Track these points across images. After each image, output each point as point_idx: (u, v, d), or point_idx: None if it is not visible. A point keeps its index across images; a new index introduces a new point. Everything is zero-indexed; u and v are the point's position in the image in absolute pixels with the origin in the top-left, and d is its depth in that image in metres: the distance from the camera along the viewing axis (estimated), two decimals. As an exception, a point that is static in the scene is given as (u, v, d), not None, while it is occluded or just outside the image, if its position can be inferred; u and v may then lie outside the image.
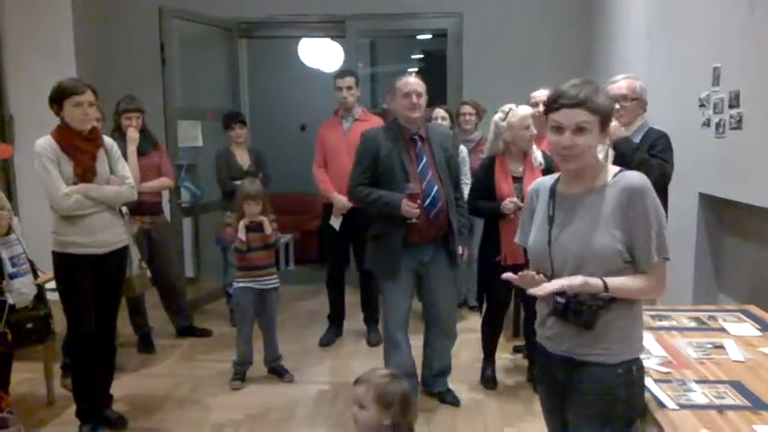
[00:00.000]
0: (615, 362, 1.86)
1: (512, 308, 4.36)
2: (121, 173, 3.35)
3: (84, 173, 3.17)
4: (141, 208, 4.32)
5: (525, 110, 3.62)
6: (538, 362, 2.09)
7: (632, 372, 1.87)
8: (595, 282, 1.79)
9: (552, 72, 4.69)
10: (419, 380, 3.67)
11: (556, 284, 1.80)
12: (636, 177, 1.85)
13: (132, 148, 4.26)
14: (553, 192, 1.96)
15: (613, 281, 1.80)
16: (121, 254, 3.39)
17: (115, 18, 6.07)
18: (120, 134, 4.31)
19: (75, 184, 3.15)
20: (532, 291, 1.83)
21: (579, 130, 1.80)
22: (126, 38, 6.04)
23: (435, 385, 3.67)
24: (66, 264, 3.20)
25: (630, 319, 1.88)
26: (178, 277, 4.94)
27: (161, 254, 4.57)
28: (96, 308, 3.28)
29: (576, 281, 1.79)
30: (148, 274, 3.91)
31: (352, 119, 4.62)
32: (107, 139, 3.36)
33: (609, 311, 1.83)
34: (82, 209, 3.16)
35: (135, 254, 3.56)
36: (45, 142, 3.14)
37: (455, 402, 3.63)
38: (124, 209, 3.53)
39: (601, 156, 3.05)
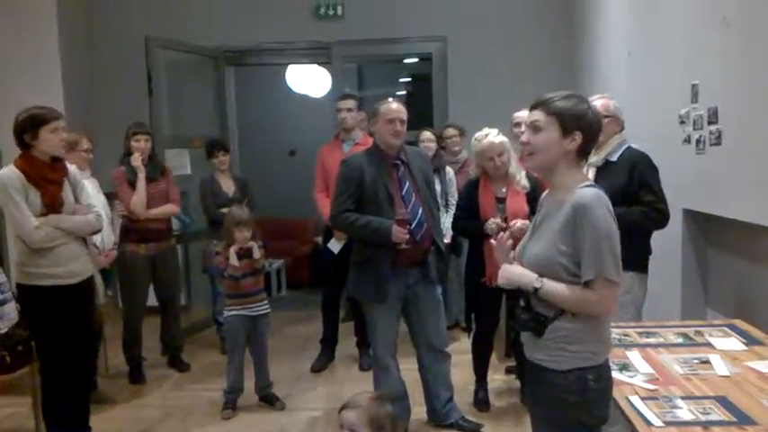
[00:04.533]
0: (566, 368, 1.88)
1: (503, 327, 4.35)
2: (86, 201, 3.32)
3: (53, 203, 3.12)
4: (148, 234, 4.39)
5: (492, 139, 3.57)
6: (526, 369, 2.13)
7: (586, 380, 1.87)
8: (529, 275, 1.89)
9: (535, 92, 4.69)
10: (425, 412, 3.65)
11: (502, 272, 1.99)
12: (584, 194, 1.86)
13: (140, 176, 4.34)
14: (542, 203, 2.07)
15: (548, 283, 1.86)
16: (90, 283, 3.36)
17: (102, 47, 6.11)
18: (129, 159, 4.39)
19: (43, 214, 3.09)
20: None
21: (534, 128, 1.90)
22: (113, 67, 6.07)
23: (449, 415, 3.60)
24: (36, 296, 3.14)
25: (584, 329, 1.88)
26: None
27: (166, 279, 4.58)
28: (71, 340, 3.23)
29: (515, 269, 1.95)
30: (118, 302, 3.89)
31: (353, 142, 4.61)
32: (70, 168, 3.32)
33: (560, 321, 1.88)
34: (52, 241, 3.11)
35: (99, 283, 3.54)
36: (10, 173, 3.06)
37: (476, 429, 3.58)
38: (112, 237, 3.53)
39: (590, 174, 3.11)
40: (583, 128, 1.88)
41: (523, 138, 1.92)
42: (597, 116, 1.95)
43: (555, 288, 1.85)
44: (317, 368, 4.66)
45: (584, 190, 1.87)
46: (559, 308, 1.87)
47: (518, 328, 1.97)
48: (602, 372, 1.91)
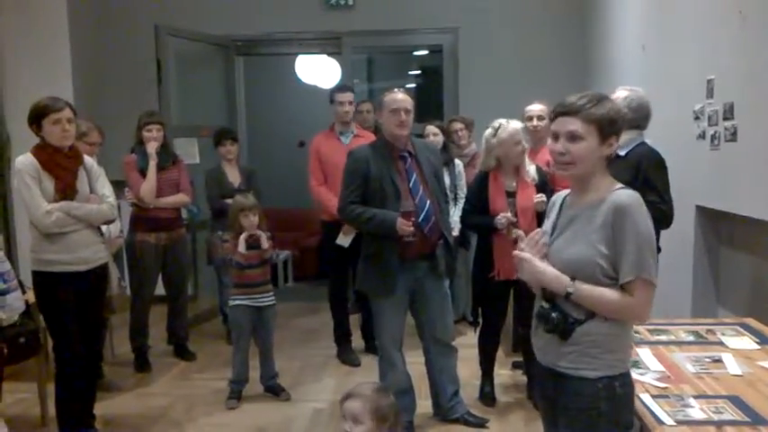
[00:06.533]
0: (595, 376, 1.81)
1: (511, 321, 4.31)
2: (101, 191, 3.35)
3: (66, 190, 3.17)
4: (158, 224, 4.39)
5: (515, 125, 3.58)
6: (535, 373, 2.06)
7: (614, 387, 1.81)
8: (562, 280, 1.80)
9: (548, 86, 4.68)
10: (431, 406, 3.63)
11: (531, 268, 1.86)
12: (624, 195, 1.81)
13: (152, 164, 4.33)
14: (563, 203, 1.98)
15: (582, 286, 1.79)
16: (101, 271, 3.37)
17: (112, 36, 6.09)
18: (141, 149, 4.39)
19: (56, 201, 3.14)
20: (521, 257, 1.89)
21: (572, 138, 1.81)
22: (122, 56, 6.06)
23: (455, 410, 3.58)
24: (47, 282, 3.18)
25: (614, 334, 1.81)
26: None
27: (176, 269, 4.58)
28: (80, 327, 3.24)
29: (549, 270, 1.84)
30: (127, 292, 3.89)
31: (352, 135, 4.58)
32: (87, 159, 3.37)
33: (590, 325, 1.81)
34: (63, 226, 3.15)
35: (114, 272, 3.54)
36: (26, 159, 3.14)
37: (482, 423, 3.55)
38: (118, 225, 3.52)
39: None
40: (617, 132, 1.85)
41: (559, 147, 1.83)
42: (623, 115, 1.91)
43: (589, 292, 1.78)
44: (358, 363, 4.56)
45: (621, 191, 1.82)
46: (585, 315, 1.81)
47: (544, 329, 1.87)
48: (627, 377, 1.86)
